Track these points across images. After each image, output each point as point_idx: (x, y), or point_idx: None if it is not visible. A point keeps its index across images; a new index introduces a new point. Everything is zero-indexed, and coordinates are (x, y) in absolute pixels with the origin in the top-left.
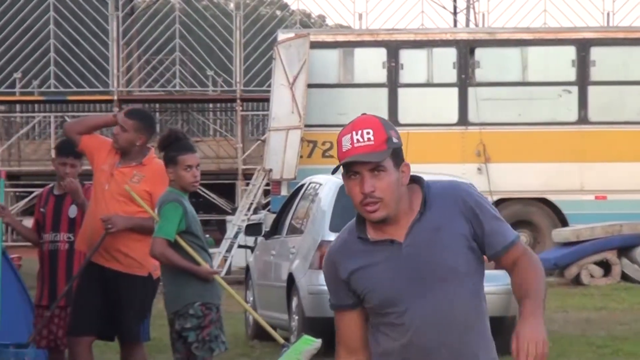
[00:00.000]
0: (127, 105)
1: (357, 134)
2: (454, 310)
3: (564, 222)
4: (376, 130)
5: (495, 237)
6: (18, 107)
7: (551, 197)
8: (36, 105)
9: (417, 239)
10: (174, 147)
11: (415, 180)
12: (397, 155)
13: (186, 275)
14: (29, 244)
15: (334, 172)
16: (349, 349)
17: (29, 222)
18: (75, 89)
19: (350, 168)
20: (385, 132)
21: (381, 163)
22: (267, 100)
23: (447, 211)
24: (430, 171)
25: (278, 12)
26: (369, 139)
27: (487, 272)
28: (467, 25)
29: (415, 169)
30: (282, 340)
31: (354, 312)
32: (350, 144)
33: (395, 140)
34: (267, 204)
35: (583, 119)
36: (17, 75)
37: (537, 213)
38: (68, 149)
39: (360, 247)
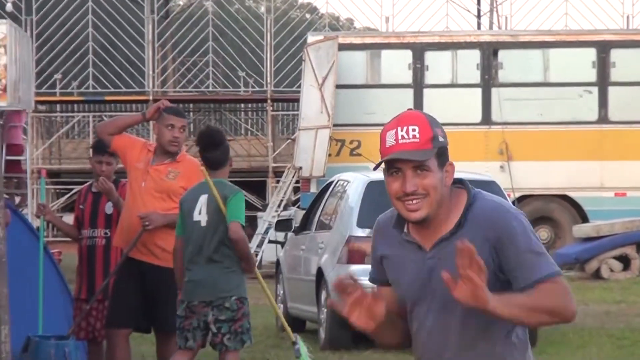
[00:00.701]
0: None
1: (402, 130)
2: (453, 334)
3: (584, 218)
4: (422, 127)
5: (522, 272)
6: (58, 107)
7: (572, 194)
8: (75, 105)
9: (441, 254)
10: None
11: (461, 182)
12: (442, 155)
13: (224, 268)
14: (69, 239)
15: (376, 168)
16: None
17: (69, 218)
18: (112, 90)
19: (393, 164)
20: (431, 130)
21: (425, 162)
22: (296, 100)
23: (477, 236)
24: (456, 168)
25: (308, 16)
26: (414, 136)
27: None
28: (491, 27)
29: None
30: (293, 338)
31: (388, 288)
32: (395, 140)
33: (441, 139)
34: (297, 200)
35: (603, 119)
36: (58, 76)
37: (558, 209)
38: (103, 148)
39: (395, 236)
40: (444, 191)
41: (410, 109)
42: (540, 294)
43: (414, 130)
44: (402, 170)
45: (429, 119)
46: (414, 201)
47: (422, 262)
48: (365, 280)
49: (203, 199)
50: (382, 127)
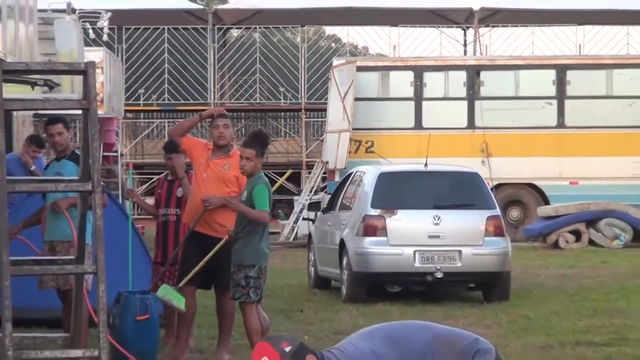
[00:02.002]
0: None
1: None
2: None
3: (546, 201)
4: (270, 355)
5: None
6: (142, 115)
7: (537, 183)
8: (154, 114)
9: None
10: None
11: None
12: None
13: (256, 242)
14: (150, 216)
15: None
16: None
17: (150, 200)
18: (182, 101)
19: None
20: (276, 352)
21: None
22: (324, 109)
23: None
24: (446, 162)
25: (333, 44)
26: None
27: (486, 238)
28: (474, 54)
29: (435, 161)
30: None
31: None
32: None
33: (288, 348)
34: (324, 187)
35: (561, 124)
36: (141, 91)
37: (526, 194)
38: (170, 148)
39: None
40: None
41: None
42: None
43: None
44: None
45: (269, 344)
46: None
47: None
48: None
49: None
50: (390, 131)
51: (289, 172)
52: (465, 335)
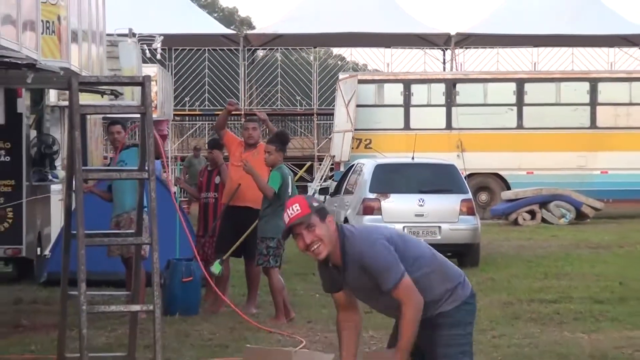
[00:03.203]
0: (248, 116)
1: (289, 210)
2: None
3: (508, 187)
4: (301, 203)
5: (381, 285)
6: (187, 118)
7: (501, 173)
8: (197, 117)
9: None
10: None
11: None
12: (321, 212)
13: (277, 217)
14: (193, 199)
15: (285, 238)
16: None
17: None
18: (219, 107)
19: (293, 232)
20: (306, 202)
21: (310, 221)
22: (332, 114)
23: (355, 267)
24: (429, 156)
25: (339, 62)
26: (297, 210)
27: (461, 216)
28: (451, 70)
29: (420, 155)
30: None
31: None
32: (287, 217)
33: (315, 204)
34: (332, 176)
35: (520, 126)
36: (186, 99)
37: (492, 182)
38: (212, 144)
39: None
40: (331, 234)
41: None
42: (402, 326)
43: (296, 207)
44: (299, 233)
45: (304, 197)
46: (315, 249)
47: (346, 280)
48: None
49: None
50: (384, 131)
51: (307, 165)
52: (457, 269)
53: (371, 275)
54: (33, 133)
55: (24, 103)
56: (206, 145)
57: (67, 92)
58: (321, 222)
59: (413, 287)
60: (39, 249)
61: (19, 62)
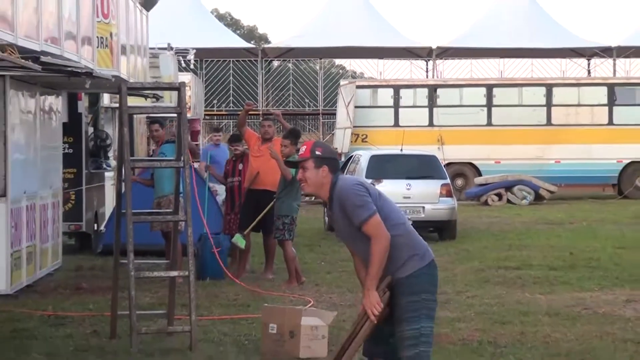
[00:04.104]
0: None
1: (301, 149)
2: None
3: (480, 174)
4: (307, 146)
5: (353, 219)
6: (215, 117)
7: (474, 162)
8: (223, 116)
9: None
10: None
11: (336, 176)
12: (318, 160)
13: (291, 199)
14: (221, 183)
15: (289, 165)
16: None
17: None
18: (241, 108)
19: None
20: (310, 148)
21: (304, 164)
22: (334, 113)
23: (337, 204)
24: (415, 149)
25: (340, 71)
26: (304, 150)
27: (441, 198)
28: (433, 77)
29: (407, 148)
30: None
31: None
32: (298, 154)
33: (317, 153)
34: None
35: (489, 124)
36: (215, 101)
37: (467, 170)
38: (233, 139)
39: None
40: (321, 179)
41: (307, 140)
42: (371, 256)
43: (303, 148)
44: (299, 167)
45: (314, 143)
46: (302, 184)
47: (332, 217)
48: None
49: None
50: (378, 128)
51: None
52: (423, 242)
53: (346, 212)
54: (90, 129)
55: (83, 105)
56: (228, 141)
57: (117, 95)
58: (314, 168)
59: (381, 224)
60: (95, 225)
61: (79, 70)
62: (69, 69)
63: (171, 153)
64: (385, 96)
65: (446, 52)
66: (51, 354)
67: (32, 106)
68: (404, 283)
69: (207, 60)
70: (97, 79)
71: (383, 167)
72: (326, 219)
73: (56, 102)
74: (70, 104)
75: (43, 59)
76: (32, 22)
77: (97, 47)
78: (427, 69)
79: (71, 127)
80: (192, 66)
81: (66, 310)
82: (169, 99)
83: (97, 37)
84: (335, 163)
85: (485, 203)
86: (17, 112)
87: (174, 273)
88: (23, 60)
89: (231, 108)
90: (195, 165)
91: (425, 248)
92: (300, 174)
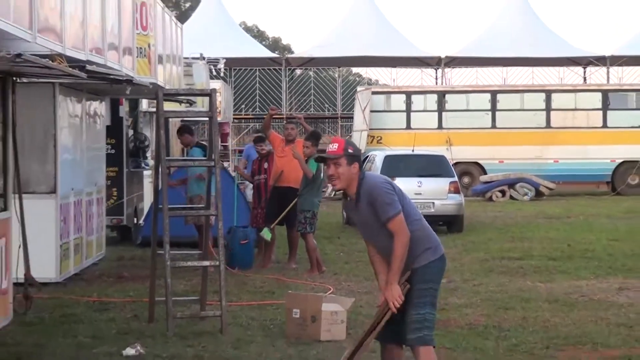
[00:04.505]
0: (288, 118)
1: (331, 145)
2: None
3: (485, 172)
4: (339, 144)
5: (381, 216)
6: (242, 120)
7: (480, 161)
8: (250, 120)
9: (358, 206)
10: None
11: (362, 172)
12: (350, 158)
13: (312, 195)
14: (248, 181)
15: (318, 161)
16: None
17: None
18: (266, 112)
19: (325, 161)
20: (343, 146)
21: (338, 160)
22: (352, 117)
23: (365, 200)
24: (426, 150)
25: (357, 78)
26: (335, 147)
27: (449, 194)
28: (442, 84)
29: (419, 148)
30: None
31: None
32: (327, 151)
33: (350, 150)
34: None
35: (494, 126)
36: (242, 105)
37: (473, 169)
38: (258, 140)
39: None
40: (351, 176)
41: (336, 137)
42: (394, 251)
43: (335, 145)
44: (329, 164)
45: (345, 141)
46: (333, 179)
47: (357, 212)
48: None
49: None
50: (391, 130)
51: None
52: (436, 236)
53: (375, 208)
54: (130, 132)
55: (124, 109)
56: (252, 141)
57: (155, 101)
58: (347, 164)
59: (404, 222)
60: (135, 219)
61: (120, 78)
62: (112, 76)
63: (199, 155)
64: (398, 101)
65: (454, 61)
66: (96, 337)
67: (78, 111)
68: (417, 272)
69: (235, 68)
70: (137, 85)
71: (396, 166)
72: (343, 213)
73: (100, 107)
74: (112, 109)
75: (88, 67)
76: (79, 34)
77: (137, 56)
78: (436, 76)
79: (113, 130)
80: (222, 74)
81: (109, 297)
82: (201, 104)
83: (137, 47)
84: (361, 160)
85: (490, 199)
86: (65, 116)
87: (206, 263)
88: (70, 69)
89: (257, 112)
90: (225, 164)
91: (438, 242)
92: (333, 169)
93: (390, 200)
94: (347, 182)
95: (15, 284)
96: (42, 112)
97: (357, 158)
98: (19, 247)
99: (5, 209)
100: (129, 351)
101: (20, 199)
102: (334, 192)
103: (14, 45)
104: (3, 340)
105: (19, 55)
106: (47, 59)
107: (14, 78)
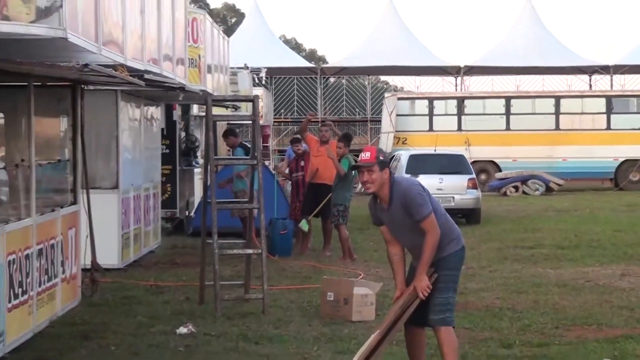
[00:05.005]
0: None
1: (363, 154)
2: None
3: (500, 170)
4: (371, 152)
5: (414, 216)
6: (282, 123)
7: (495, 160)
8: (288, 123)
9: (390, 209)
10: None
11: (392, 176)
12: (382, 164)
13: (344, 190)
14: (286, 178)
15: (353, 169)
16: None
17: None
18: (303, 116)
19: (360, 168)
20: (375, 154)
21: (372, 167)
22: (380, 120)
23: (398, 203)
24: (446, 150)
25: (385, 85)
26: (368, 156)
27: (468, 190)
28: (461, 90)
29: (440, 149)
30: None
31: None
32: (360, 159)
33: (381, 158)
34: None
35: (508, 129)
36: (282, 110)
37: (489, 167)
38: (295, 141)
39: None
40: (384, 181)
41: (368, 145)
42: (425, 246)
43: (368, 154)
44: (363, 171)
45: (376, 149)
46: (367, 184)
47: (388, 213)
48: None
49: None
50: (415, 132)
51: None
52: (457, 228)
53: (408, 209)
54: (183, 134)
55: (177, 114)
56: (290, 142)
57: (204, 106)
58: (379, 170)
59: (435, 221)
60: (187, 212)
61: (174, 86)
62: (166, 84)
63: (242, 155)
64: (422, 106)
65: (472, 70)
66: (153, 317)
67: (137, 115)
68: (442, 259)
69: (276, 77)
70: (188, 92)
71: (420, 164)
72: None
73: (156, 112)
74: (167, 113)
75: (146, 76)
76: (138, 47)
77: (188, 66)
78: (456, 84)
79: (168, 132)
80: (263, 82)
81: (164, 281)
82: (245, 108)
83: (189, 58)
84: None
85: (504, 194)
86: (126, 120)
87: (249, 251)
88: (131, 78)
89: (295, 116)
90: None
91: (459, 234)
92: (367, 176)
93: (423, 201)
94: (380, 187)
95: (83, 270)
96: (106, 116)
97: (387, 164)
98: (87, 236)
99: (74, 202)
100: (182, 330)
101: (88, 193)
102: (363, 189)
103: (82, 56)
104: (72, 319)
105: (86, 65)
106: (111, 69)
107: (82, 86)
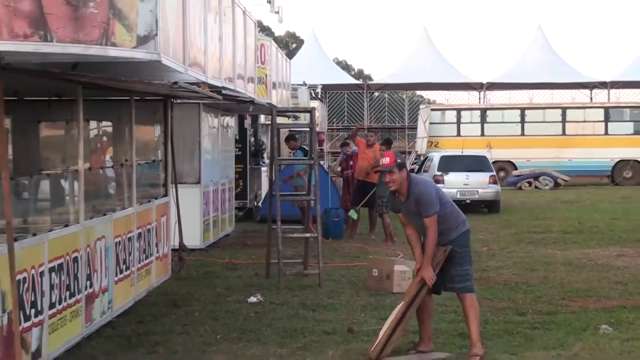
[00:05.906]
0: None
1: (384, 159)
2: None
3: (516, 168)
4: (391, 157)
5: (423, 212)
6: (333, 130)
7: (512, 160)
8: (340, 130)
9: (407, 203)
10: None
11: (410, 176)
12: (401, 166)
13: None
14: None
15: (376, 171)
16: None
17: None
18: (352, 125)
19: (382, 172)
20: (394, 158)
21: (392, 170)
22: (416, 127)
23: (413, 199)
24: (471, 151)
25: (420, 99)
26: (387, 160)
27: (489, 185)
28: (484, 102)
29: (467, 151)
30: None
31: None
32: (382, 163)
33: (399, 160)
34: (416, 162)
35: (523, 134)
36: (334, 119)
37: (507, 166)
38: (344, 144)
39: (397, 198)
40: (403, 179)
41: (389, 151)
42: (427, 241)
43: (387, 159)
44: (385, 172)
45: (394, 154)
46: (390, 184)
47: (405, 205)
48: None
49: None
50: (446, 137)
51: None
52: (463, 215)
53: (420, 205)
54: (252, 139)
55: (247, 122)
56: (340, 146)
57: (270, 116)
58: (398, 172)
59: (436, 222)
60: (255, 202)
61: (245, 99)
62: (239, 98)
63: (301, 156)
64: (451, 116)
65: (492, 86)
66: (228, 288)
67: (215, 123)
68: (456, 239)
69: (329, 92)
70: (257, 105)
71: (449, 163)
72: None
73: (230, 121)
74: (239, 122)
75: (223, 92)
76: (216, 67)
77: (257, 83)
78: (479, 97)
79: (240, 137)
80: (319, 96)
81: (237, 259)
82: (304, 118)
83: (257, 77)
84: (407, 165)
85: (520, 188)
86: (206, 128)
87: (307, 235)
88: (211, 93)
89: (345, 124)
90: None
91: (465, 219)
92: (388, 177)
93: (432, 202)
94: (400, 185)
95: (173, 250)
96: (190, 124)
97: (404, 165)
98: (175, 222)
99: (166, 195)
100: (252, 299)
101: (176, 187)
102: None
103: (172, 75)
104: (165, 290)
105: (175, 83)
106: (195, 86)
107: (172, 100)
